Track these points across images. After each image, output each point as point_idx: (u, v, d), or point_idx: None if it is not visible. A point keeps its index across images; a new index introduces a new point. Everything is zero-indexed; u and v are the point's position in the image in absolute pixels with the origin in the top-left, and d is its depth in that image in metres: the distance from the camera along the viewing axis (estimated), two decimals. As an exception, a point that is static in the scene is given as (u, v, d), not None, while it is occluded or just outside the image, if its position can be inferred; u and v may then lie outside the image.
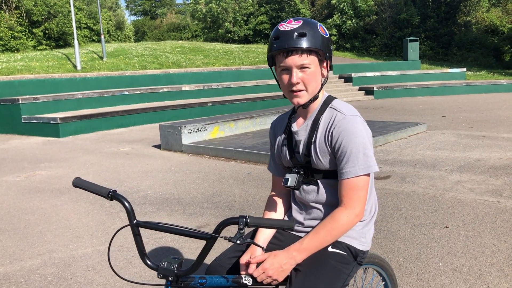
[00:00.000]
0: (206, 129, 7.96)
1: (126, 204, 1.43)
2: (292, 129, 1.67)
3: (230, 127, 8.41)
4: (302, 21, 1.51)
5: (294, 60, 1.49)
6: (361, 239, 1.64)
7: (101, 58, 19.66)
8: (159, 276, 1.36)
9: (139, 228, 1.42)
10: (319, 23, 1.57)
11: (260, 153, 6.44)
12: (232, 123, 8.45)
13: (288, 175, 1.65)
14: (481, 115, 10.78)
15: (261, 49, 26.06)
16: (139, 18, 52.66)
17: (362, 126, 1.55)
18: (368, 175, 1.55)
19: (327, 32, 1.57)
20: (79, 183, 1.53)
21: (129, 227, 3.81)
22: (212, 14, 33.68)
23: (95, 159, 7.24)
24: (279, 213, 1.77)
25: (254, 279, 1.55)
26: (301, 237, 1.65)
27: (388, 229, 3.65)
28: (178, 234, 1.37)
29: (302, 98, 1.56)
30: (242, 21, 33.44)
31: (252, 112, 9.65)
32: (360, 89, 17.66)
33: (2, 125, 11.03)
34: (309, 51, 1.50)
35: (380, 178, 5.30)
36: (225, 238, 1.27)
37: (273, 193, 1.83)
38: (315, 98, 1.60)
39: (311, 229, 1.64)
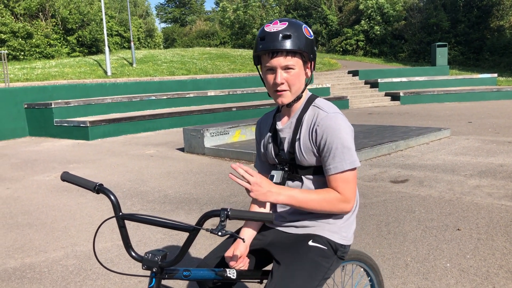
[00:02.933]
0: (228, 133, 8.12)
1: (112, 197, 1.47)
2: (277, 127, 1.72)
3: (252, 131, 8.54)
4: (287, 23, 1.55)
5: (278, 61, 1.54)
6: (341, 233, 1.67)
7: (131, 64, 20.23)
8: (144, 268, 1.41)
9: (124, 220, 1.47)
10: (304, 25, 1.60)
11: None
12: (253, 127, 8.58)
13: (273, 172, 1.70)
14: (510, 121, 10.52)
15: (288, 55, 26.12)
16: (169, 25, 53.75)
17: (344, 122, 1.61)
18: (354, 169, 1.59)
19: (312, 33, 1.61)
20: (66, 177, 1.55)
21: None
22: (240, 21, 34.09)
23: (121, 161, 7.50)
24: (265, 209, 1.82)
25: (238, 272, 1.61)
26: (284, 232, 1.72)
27: (400, 231, 3.68)
28: (162, 226, 1.42)
29: (286, 98, 1.61)
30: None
31: (274, 117, 9.74)
32: (386, 94, 17.50)
33: (36, 128, 11.55)
34: (293, 53, 1.55)
35: (397, 182, 5.30)
36: (206, 230, 1.30)
37: None
38: (298, 97, 1.65)
39: (293, 223, 1.70)
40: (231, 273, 1.58)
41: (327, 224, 1.67)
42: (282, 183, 1.68)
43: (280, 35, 1.53)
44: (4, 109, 11.26)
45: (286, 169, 1.70)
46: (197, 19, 48.83)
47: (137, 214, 1.46)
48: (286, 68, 1.56)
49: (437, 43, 20.69)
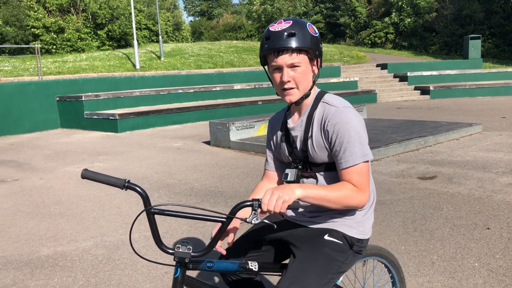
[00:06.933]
0: (253, 127, 8.15)
1: (141, 192, 1.47)
2: (288, 125, 1.73)
3: (278, 125, 8.52)
4: (291, 21, 1.57)
5: (284, 59, 1.56)
6: (359, 228, 1.68)
7: (159, 57, 20.49)
8: (175, 259, 1.45)
9: (154, 214, 1.49)
10: (308, 23, 1.62)
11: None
12: (279, 121, 8.56)
13: (287, 170, 1.71)
14: (546, 117, 10.13)
15: (315, 48, 25.88)
16: (197, 18, 54.07)
17: (355, 116, 1.59)
18: (367, 162, 1.58)
19: (316, 31, 1.62)
20: (88, 175, 1.51)
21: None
22: (267, 14, 33.96)
23: (149, 153, 7.64)
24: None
25: (260, 265, 1.64)
26: (303, 226, 1.74)
27: (426, 228, 3.62)
28: (193, 219, 1.46)
29: (294, 96, 1.62)
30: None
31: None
32: (415, 88, 17.14)
33: (67, 120, 11.88)
34: (299, 50, 1.56)
35: (425, 178, 5.21)
36: (241, 219, 1.38)
37: (264, 181, 1.89)
38: (307, 95, 1.65)
39: (311, 219, 1.72)
40: (253, 265, 1.63)
41: (345, 219, 1.68)
42: (296, 181, 1.69)
43: (285, 33, 1.54)
44: (38, 101, 11.62)
45: (300, 167, 1.70)
46: (224, 12, 48.91)
47: (168, 209, 1.49)
48: (292, 66, 1.57)
49: (470, 35, 20.07)
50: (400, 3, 29.41)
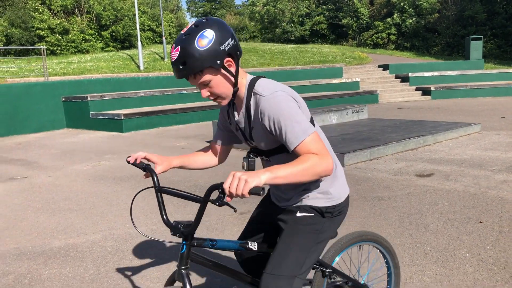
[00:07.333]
0: (256, 126, 8.29)
1: (154, 175, 1.81)
2: (235, 118, 1.80)
3: (280, 124, 8.67)
4: (180, 47, 1.57)
5: (193, 82, 1.63)
6: (326, 196, 1.78)
7: (162, 59, 20.68)
8: (171, 233, 1.68)
9: (160, 192, 1.76)
10: (197, 36, 1.55)
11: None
12: (281, 120, 8.71)
13: (244, 160, 1.83)
14: (545, 117, 10.25)
15: (317, 49, 26.06)
16: (200, 20, 54.27)
17: (283, 99, 1.61)
18: (312, 134, 1.62)
19: (212, 38, 1.56)
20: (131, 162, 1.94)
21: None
22: (270, 15, 34.14)
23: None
24: (209, 158, 2.01)
25: (259, 246, 1.81)
26: (282, 208, 1.88)
27: (421, 222, 3.77)
28: (180, 197, 1.68)
29: (222, 102, 1.70)
30: (297, 24, 33.58)
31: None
32: (417, 89, 17.26)
33: (73, 120, 12.08)
34: (199, 72, 1.59)
35: (422, 176, 5.35)
36: (211, 201, 1.51)
37: (207, 150, 2.03)
38: (235, 91, 1.69)
39: (286, 203, 1.85)
40: (253, 245, 1.81)
41: (310, 193, 1.78)
42: (251, 169, 1.80)
43: (178, 65, 1.59)
44: (44, 102, 11.82)
45: (251, 156, 1.81)
46: (227, 13, 49.14)
47: (169, 190, 1.73)
48: (203, 84, 1.65)
49: (471, 36, 20.17)
50: (402, 4, 29.54)
